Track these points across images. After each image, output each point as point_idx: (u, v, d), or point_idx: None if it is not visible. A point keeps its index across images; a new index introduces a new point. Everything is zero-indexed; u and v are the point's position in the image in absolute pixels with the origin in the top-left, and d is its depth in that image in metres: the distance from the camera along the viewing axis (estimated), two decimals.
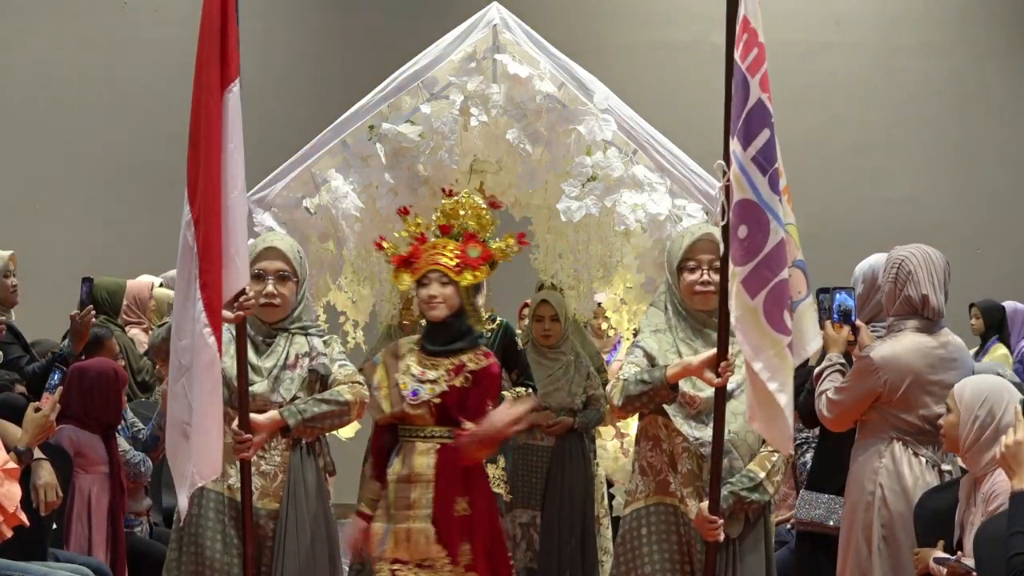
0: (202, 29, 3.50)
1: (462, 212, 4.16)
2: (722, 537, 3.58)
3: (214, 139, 3.42)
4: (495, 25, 4.95)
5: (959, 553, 3.51)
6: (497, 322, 4.80)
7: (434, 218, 4.22)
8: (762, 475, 3.64)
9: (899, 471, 3.98)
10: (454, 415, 3.95)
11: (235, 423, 3.75)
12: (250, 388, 3.81)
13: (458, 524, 3.89)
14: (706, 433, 3.59)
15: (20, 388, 5.19)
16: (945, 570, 3.48)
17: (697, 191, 4.83)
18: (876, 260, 4.41)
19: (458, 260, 4.05)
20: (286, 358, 3.93)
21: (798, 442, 5.07)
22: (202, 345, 3.40)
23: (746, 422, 3.59)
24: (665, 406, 3.65)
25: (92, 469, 4.90)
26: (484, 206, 4.18)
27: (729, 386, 3.57)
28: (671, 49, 9.43)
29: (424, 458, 3.94)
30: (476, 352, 4.06)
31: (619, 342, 6.13)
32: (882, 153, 9.46)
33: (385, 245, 4.20)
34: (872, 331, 4.30)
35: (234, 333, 3.78)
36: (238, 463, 3.79)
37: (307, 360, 3.94)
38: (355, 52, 9.05)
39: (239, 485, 3.79)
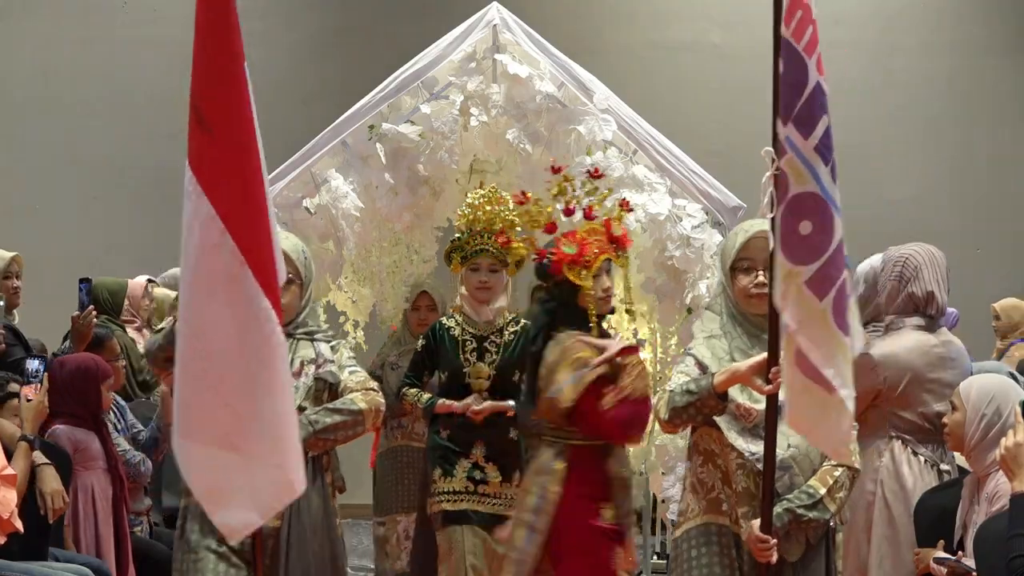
0: (199, 8, 3.03)
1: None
2: (775, 559, 3.19)
3: (242, 119, 3.00)
4: (495, 25, 4.95)
5: (960, 553, 3.52)
6: (521, 324, 4.67)
7: (560, 202, 3.93)
8: (823, 491, 3.27)
9: (899, 471, 3.99)
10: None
11: None
12: None
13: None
14: (763, 448, 3.20)
15: (16, 388, 5.18)
16: (945, 570, 3.48)
17: (697, 191, 4.84)
18: (876, 261, 4.41)
19: (610, 243, 3.81)
20: (291, 365, 3.56)
21: None
22: (279, 346, 3.00)
23: None
24: (717, 419, 3.32)
25: (90, 465, 4.90)
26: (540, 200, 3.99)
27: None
28: (671, 49, 9.42)
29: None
30: None
31: None
32: (881, 153, 9.46)
33: (531, 206, 3.98)
34: (873, 331, 4.30)
35: None
36: None
37: (313, 367, 3.65)
38: (355, 52, 9.04)
39: None
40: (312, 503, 3.57)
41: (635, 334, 5.59)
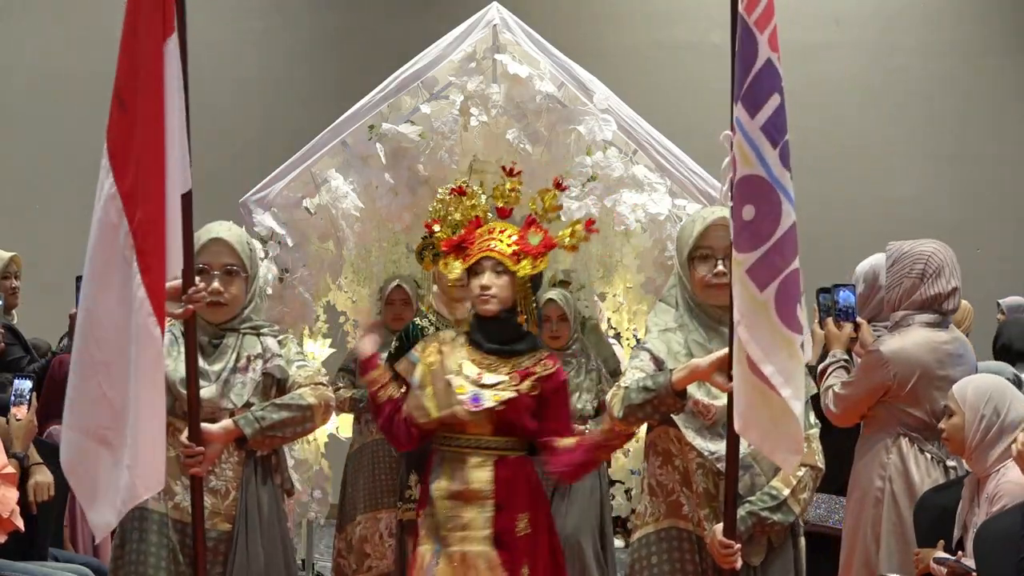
0: None
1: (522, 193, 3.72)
2: (739, 565, 3.05)
3: (154, 100, 2.88)
4: (495, 25, 4.95)
5: (960, 553, 3.51)
6: None
7: (488, 199, 3.78)
8: (786, 492, 3.11)
9: (906, 467, 3.99)
10: (518, 425, 3.54)
11: (184, 434, 3.23)
12: None
13: (521, 544, 3.52)
14: (723, 447, 3.05)
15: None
16: (945, 570, 3.48)
17: (697, 191, 4.84)
18: (876, 260, 4.41)
19: (516, 247, 3.59)
20: (236, 360, 3.44)
21: None
22: (147, 337, 2.87)
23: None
24: (675, 417, 3.14)
25: None
26: (550, 187, 3.75)
27: None
28: (671, 49, 9.42)
29: (480, 472, 3.54)
30: (537, 355, 3.63)
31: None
32: (881, 153, 9.46)
33: (436, 228, 3.75)
34: (875, 330, 4.30)
35: (175, 333, 3.35)
36: (183, 479, 3.30)
37: (260, 362, 3.45)
38: (355, 52, 9.04)
39: (186, 504, 3.29)
40: (262, 506, 3.42)
41: (635, 334, 5.60)
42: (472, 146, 5.08)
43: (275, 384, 3.48)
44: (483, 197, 4.38)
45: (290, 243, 4.81)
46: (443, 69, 4.94)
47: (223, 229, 3.51)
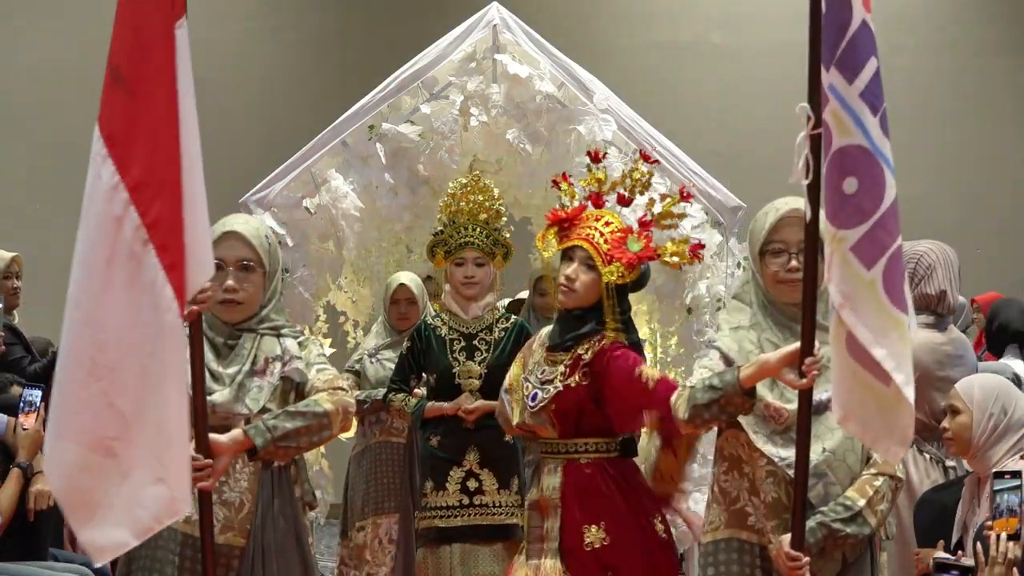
0: None
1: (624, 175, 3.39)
2: None
3: (166, 86, 2.63)
4: (495, 25, 4.95)
5: (960, 553, 3.51)
6: (511, 320, 4.44)
7: (584, 184, 3.43)
8: (862, 503, 2.87)
9: (905, 468, 3.99)
10: (579, 421, 3.29)
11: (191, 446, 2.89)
12: (209, 398, 2.98)
13: (592, 558, 3.23)
14: (794, 453, 2.79)
15: (18, 390, 5.18)
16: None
17: (697, 191, 4.84)
18: None
19: (611, 247, 3.29)
20: (253, 362, 3.17)
21: None
22: (177, 339, 2.60)
23: (845, 436, 2.89)
24: (743, 421, 2.92)
25: None
26: (673, 194, 3.44)
27: (823, 395, 2.83)
28: (671, 49, 9.42)
29: (551, 479, 3.31)
30: (593, 340, 3.31)
31: None
32: None
33: (563, 186, 3.41)
34: None
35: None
36: (193, 491, 2.88)
37: (279, 365, 3.18)
38: (355, 52, 9.05)
39: (196, 518, 2.93)
40: (279, 520, 3.16)
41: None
42: (472, 146, 5.09)
43: (294, 389, 3.21)
44: (495, 191, 4.41)
45: (290, 243, 4.82)
46: (443, 69, 4.95)
47: (239, 222, 3.26)
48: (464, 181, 4.42)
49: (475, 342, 4.43)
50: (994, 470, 3.33)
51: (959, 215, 9.23)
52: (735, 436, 2.98)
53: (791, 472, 2.80)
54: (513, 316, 4.51)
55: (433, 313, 4.68)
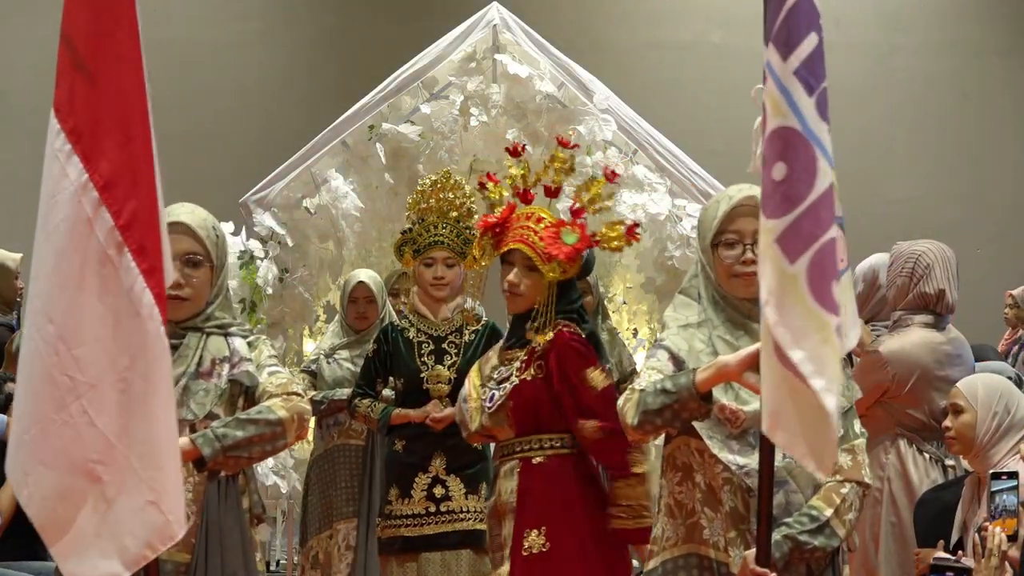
0: None
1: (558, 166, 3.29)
2: None
3: (133, 72, 2.38)
4: (495, 25, 4.96)
5: (960, 553, 3.51)
6: (482, 322, 4.25)
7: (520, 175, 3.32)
8: (828, 512, 2.66)
9: (905, 468, 3.99)
10: (535, 417, 3.18)
11: None
12: None
13: (525, 566, 3.09)
14: (754, 460, 2.60)
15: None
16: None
17: (697, 191, 4.85)
18: (876, 260, 4.42)
19: (547, 244, 3.19)
20: (199, 364, 2.94)
21: None
22: (160, 349, 2.37)
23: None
24: (697, 425, 2.68)
25: None
26: (599, 177, 3.34)
27: None
28: (671, 49, 9.43)
29: (507, 482, 3.19)
30: (547, 332, 3.21)
31: None
32: (881, 153, 9.46)
33: (489, 186, 3.31)
34: (872, 330, 4.31)
35: None
36: None
37: (227, 367, 2.94)
38: (355, 52, 9.05)
39: None
40: (227, 534, 2.94)
41: (635, 334, 5.60)
42: (472, 146, 5.09)
43: (243, 393, 2.97)
44: (467, 188, 4.19)
45: (290, 243, 4.82)
46: (443, 69, 4.95)
47: (184, 212, 2.99)
48: (435, 178, 4.22)
49: (444, 345, 4.20)
50: (992, 471, 3.33)
51: (959, 215, 9.24)
52: (686, 443, 2.75)
53: (749, 480, 2.63)
54: (484, 318, 4.36)
55: (401, 313, 4.45)
